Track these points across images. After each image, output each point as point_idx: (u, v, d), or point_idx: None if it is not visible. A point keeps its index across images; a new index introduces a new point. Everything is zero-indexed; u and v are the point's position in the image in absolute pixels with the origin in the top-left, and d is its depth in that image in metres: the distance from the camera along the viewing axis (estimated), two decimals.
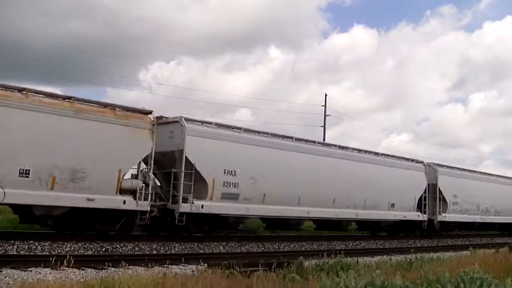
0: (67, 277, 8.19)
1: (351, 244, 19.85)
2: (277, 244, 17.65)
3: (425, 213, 24.66)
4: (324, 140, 33.49)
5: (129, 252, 13.30)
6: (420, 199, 24.52)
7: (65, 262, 9.01)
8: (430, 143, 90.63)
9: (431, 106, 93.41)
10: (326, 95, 40.00)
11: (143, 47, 70.88)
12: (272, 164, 17.81)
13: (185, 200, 15.35)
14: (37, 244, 12.41)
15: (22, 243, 12.24)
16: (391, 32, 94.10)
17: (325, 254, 11.09)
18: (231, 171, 16.48)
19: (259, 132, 18.56)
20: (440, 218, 25.41)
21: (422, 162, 25.76)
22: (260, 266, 8.99)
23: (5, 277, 8.06)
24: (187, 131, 15.60)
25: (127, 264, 9.41)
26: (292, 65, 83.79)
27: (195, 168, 15.54)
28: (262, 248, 16.62)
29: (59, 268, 8.91)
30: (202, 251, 14.54)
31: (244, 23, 77.31)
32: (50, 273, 8.63)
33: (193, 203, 15.46)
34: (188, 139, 15.55)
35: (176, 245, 14.91)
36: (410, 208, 24.01)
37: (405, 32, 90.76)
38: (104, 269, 9.40)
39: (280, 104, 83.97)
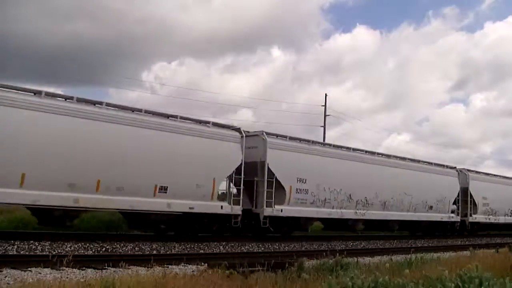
0: (67, 277, 8.18)
1: (351, 244, 19.86)
2: (277, 244, 17.66)
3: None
4: (324, 140, 33.52)
5: (129, 252, 13.30)
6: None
7: (65, 262, 9.01)
8: (430, 143, 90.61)
9: (432, 106, 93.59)
10: (326, 95, 40.05)
11: (146, 48, 70.94)
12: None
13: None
14: (37, 244, 12.41)
15: (22, 243, 12.24)
16: (393, 33, 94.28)
17: (325, 254, 11.09)
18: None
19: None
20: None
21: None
22: (260, 266, 8.99)
23: (5, 277, 8.06)
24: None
25: (127, 264, 9.40)
26: (294, 65, 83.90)
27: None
28: (262, 248, 16.62)
29: (59, 268, 8.91)
30: (202, 251, 14.54)
31: (246, 24, 77.41)
32: (50, 273, 8.63)
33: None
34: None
35: (176, 245, 14.91)
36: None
37: (407, 33, 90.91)
38: (104, 269, 9.40)
39: (282, 104, 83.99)
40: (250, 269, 8.74)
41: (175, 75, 77.34)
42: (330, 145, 21.57)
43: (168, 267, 10.05)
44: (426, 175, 25.41)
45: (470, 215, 28.06)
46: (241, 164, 17.02)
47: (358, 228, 23.32)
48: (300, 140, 20.09)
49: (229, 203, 16.80)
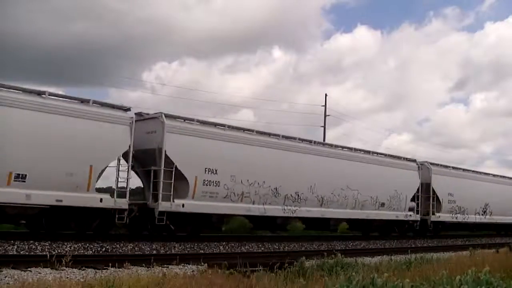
0: (67, 277, 8.17)
1: (351, 244, 19.86)
2: (277, 244, 17.66)
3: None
4: (324, 140, 33.48)
5: (129, 252, 13.30)
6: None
7: (65, 262, 9.01)
8: (431, 143, 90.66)
9: (432, 106, 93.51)
10: (326, 95, 39.95)
11: (146, 48, 70.88)
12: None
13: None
14: (37, 244, 12.40)
15: (22, 243, 12.23)
16: (393, 33, 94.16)
17: (325, 254, 11.09)
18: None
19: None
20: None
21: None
22: (260, 266, 8.99)
23: (5, 277, 8.05)
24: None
25: (127, 264, 9.40)
26: (294, 66, 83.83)
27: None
28: (262, 248, 16.63)
29: (59, 268, 8.90)
30: (202, 251, 14.54)
31: (247, 24, 77.25)
32: (50, 273, 8.62)
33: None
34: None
35: (176, 245, 14.91)
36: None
37: (407, 33, 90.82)
38: (104, 269, 9.39)
39: (283, 104, 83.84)
40: (250, 269, 8.73)
41: (176, 75, 77.34)
42: (251, 131, 18.30)
43: (168, 267, 10.06)
44: (376, 168, 22.35)
45: (433, 214, 25.12)
46: (128, 150, 14.57)
47: (291, 228, 21.14)
48: (215, 124, 17.39)
49: (112, 196, 14.22)
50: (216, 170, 16.26)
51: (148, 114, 16.32)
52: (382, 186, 22.50)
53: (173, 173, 15.23)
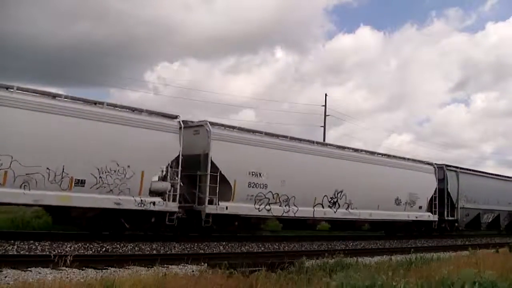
0: (67, 277, 8.17)
1: (351, 244, 19.84)
2: (277, 244, 17.65)
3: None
4: (324, 140, 33.48)
5: (129, 252, 13.29)
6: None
7: (65, 262, 9.00)
8: (431, 143, 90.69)
9: (433, 106, 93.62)
10: (326, 95, 40.00)
11: (148, 49, 70.89)
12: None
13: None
14: (37, 244, 12.40)
15: (22, 243, 12.23)
16: (395, 33, 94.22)
17: (326, 254, 11.09)
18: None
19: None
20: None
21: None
22: (260, 266, 8.99)
23: (5, 277, 8.05)
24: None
25: (127, 264, 9.39)
26: (296, 66, 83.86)
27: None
28: (262, 248, 16.61)
29: (59, 268, 8.89)
30: (202, 251, 14.53)
31: (250, 25, 77.30)
32: (50, 273, 8.62)
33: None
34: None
35: (176, 245, 14.90)
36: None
37: (409, 34, 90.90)
38: (104, 269, 9.39)
39: (284, 105, 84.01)
40: (251, 269, 8.73)
41: (178, 76, 77.31)
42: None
43: (168, 267, 10.05)
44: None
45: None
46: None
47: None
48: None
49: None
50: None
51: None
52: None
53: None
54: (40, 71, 65.01)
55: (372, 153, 23.42)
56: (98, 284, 6.80)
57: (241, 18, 75.47)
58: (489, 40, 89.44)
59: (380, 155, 23.76)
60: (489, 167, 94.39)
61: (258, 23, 76.38)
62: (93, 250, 12.83)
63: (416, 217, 24.31)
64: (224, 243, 16.34)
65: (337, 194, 20.42)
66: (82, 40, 59.91)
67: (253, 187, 17.24)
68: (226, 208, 16.51)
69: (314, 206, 19.44)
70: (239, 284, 7.54)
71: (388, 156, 24.26)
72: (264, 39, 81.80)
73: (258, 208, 17.44)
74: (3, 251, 11.48)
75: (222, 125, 17.51)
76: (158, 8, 67.19)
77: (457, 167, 28.02)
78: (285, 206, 18.32)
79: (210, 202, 16.05)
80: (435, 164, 26.26)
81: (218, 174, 16.24)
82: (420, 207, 24.53)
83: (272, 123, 73.28)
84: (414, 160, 25.62)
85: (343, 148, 22.00)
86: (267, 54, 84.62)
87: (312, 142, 20.56)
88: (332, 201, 20.23)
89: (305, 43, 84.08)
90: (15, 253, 11.50)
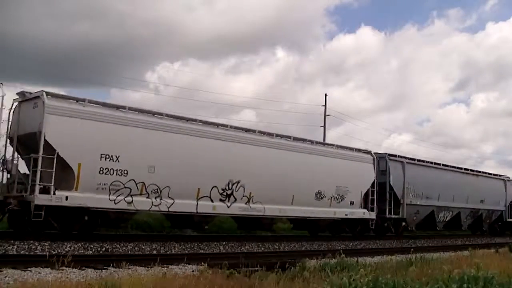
0: (67, 277, 8.16)
1: (351, 244, 19.85)
2: (277, 244, 17.65)
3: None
4: (324, 140, 33.47)
5: (129, 252, 13.29)
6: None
7: (64, 262, 8.98)
8: (431, 143, 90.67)
9: (433, 106, 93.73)
10: (326, 95, 39.93)
11: (149, 49, 70.82)
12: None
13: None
14: (37, 244, 12.38)
15: (22, 243, 12.22)
16: (396, 34, 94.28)
17: (326, 254, 11.08)
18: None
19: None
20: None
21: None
22: (260, 266, 8.98)
23: (5, 277, 8.04)
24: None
25: (127, 264, 9.38)
26: (297, 66, 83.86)
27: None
28: (262, 248, 16.61)
29: (59, 268, 8.88)
30: (202, 251, 14.53)
31: (250, 25, 77.31)
32: (50, 273, 8.60)
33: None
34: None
35: (176, 245, 14.91)
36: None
37: (410, 34, 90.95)
38: (104, 269, 9.38)
39: (285, 105, 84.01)
40: (251, 269, 8.72)
41: (179, 76, 77.28)
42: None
43: (168, 267, 10.04)
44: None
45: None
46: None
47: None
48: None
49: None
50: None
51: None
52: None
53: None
54: (40, 71, 65.05)
55: (288, 137, 19.55)
56: (98, 284, 6.79)
57: (242, 18, 75.57)
58: (490, 40, 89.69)
59: (302, 141, 19.99)
60: (490, 167, 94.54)
61: (259, 23, 76.47)
62: (93, 250, 12.82)
63: (346, 215, 20.88)
64: (224, 243, 16.34)
65: (232, 185, 16.97)
66: (82, 40, 59.96)
67: (106, 173, 13.93)
68: (66, 198, 13.23)
69: (198, 200, 16.03)
70: (239, 284, 7.52)
71: (311, 142, 20.40)
72: (265, 39, 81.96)
73: (114, 200, 14.13)
74: (3, 251, 11.47)
75: (66, 96, 14.32)
76: (159, 8, 67.24)
77: (403, 157, 24.33)
78: (155, 198, 14.98)
79: (45, 191, 13.00)
80: (375, 153, 22.68)
81: (56, 156, 13.14)
82: (352, 203, 21.10)
83: (272, 123, 73.31)
84: (346, 148, 22.05)
85: (244, 130, 18.23)
86: (267, 54, 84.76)
87: (194, 120, 16.81)
88: (225, 194, 16.79)
89: (306, 43, 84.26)
90: (15, 253, 11.49)
